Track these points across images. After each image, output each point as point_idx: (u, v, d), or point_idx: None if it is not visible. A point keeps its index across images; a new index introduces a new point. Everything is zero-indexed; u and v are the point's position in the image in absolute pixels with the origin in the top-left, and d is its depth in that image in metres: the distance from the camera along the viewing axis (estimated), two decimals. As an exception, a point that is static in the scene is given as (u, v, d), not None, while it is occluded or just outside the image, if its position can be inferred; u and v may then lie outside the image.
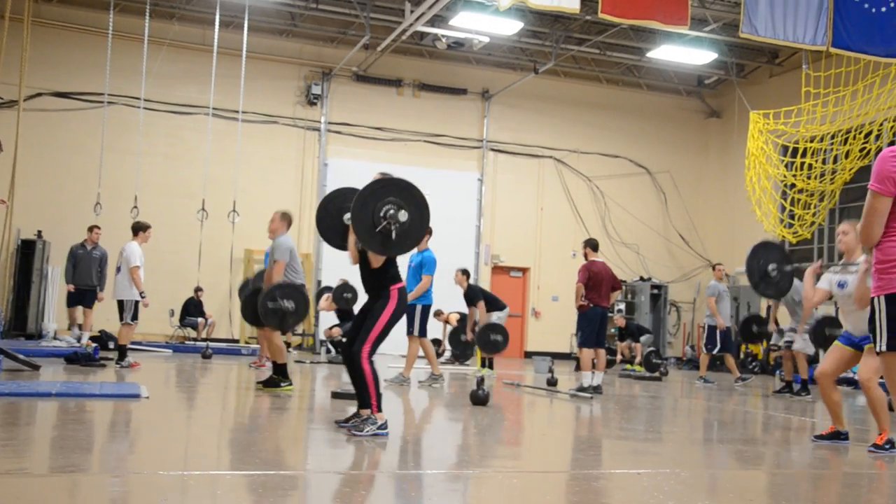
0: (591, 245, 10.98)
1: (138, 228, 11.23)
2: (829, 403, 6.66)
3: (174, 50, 17.38)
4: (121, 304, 10.95)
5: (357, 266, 6.18)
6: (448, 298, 14.20)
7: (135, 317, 10.97)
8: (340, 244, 6.72)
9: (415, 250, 10.09)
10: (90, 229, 13.45)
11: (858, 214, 3.53)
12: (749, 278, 7.90)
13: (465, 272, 12.68)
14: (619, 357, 16.30)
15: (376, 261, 5.95)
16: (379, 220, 5.72)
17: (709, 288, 13.73)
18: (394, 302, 5.96)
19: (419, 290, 10.03)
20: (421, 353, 10.51)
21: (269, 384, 8.83)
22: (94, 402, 7.14)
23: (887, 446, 6.19)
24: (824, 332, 10.38)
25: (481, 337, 11.93)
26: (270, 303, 8.59)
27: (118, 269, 11.00)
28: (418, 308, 10.10)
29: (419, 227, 5.91)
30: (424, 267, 10.11)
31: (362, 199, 5.79)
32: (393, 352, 15.94)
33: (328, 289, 15.67)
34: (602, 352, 10.77)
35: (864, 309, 6.07)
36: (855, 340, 6.39)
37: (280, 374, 8.85)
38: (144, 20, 15.64)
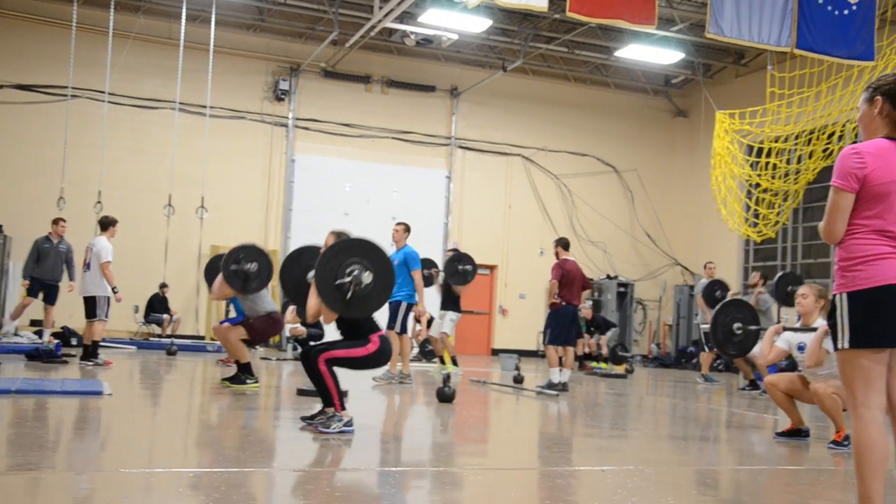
0: (563, 244, 11.01)
1: (107, 223, 11.08)
2: (780, 404, 6.80)
3: (140, 43, 17.17)
4: (91, 300, 10.76)
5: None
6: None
7: (106, 313, 10.85)
8: (297, 300, 6.81)
9: (393, 248, 10.08)
10: (55, 222, 13.11)
11: (821, 215, 3.58)
12: (712, 335, 7.98)
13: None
14: (584, 350, 16.22)
15: (327, 315, 5.85)
16: (343, 279, 5.63)
17: (700, 286, 13.78)
18: (375, 346, 5.93)
19: (420, 290, 9.97)
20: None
21: (234, 381, 8.77)
22: (56, 399, 7.04)
23: (846, 442, 6.30)
24: (786, 289, 10.68)
25: (449, 267, 12.06)
26: (234, 265, 8.56)
27: (87, 266, 10.82)
28: (403, 305, 10.02)
29: (381, 292, 5.80)
30: (410, 263, 10.00)
31: (328, 256, 5.71)
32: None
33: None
34: (571, 350, 10.82)
35: (816, 367, 6.28)
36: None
37: (245, 372, 8.79)
38: (109, 13, 15.43)
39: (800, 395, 6.69)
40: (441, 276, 12.92)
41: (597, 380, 13.50)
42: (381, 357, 6.00)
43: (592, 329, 16.16)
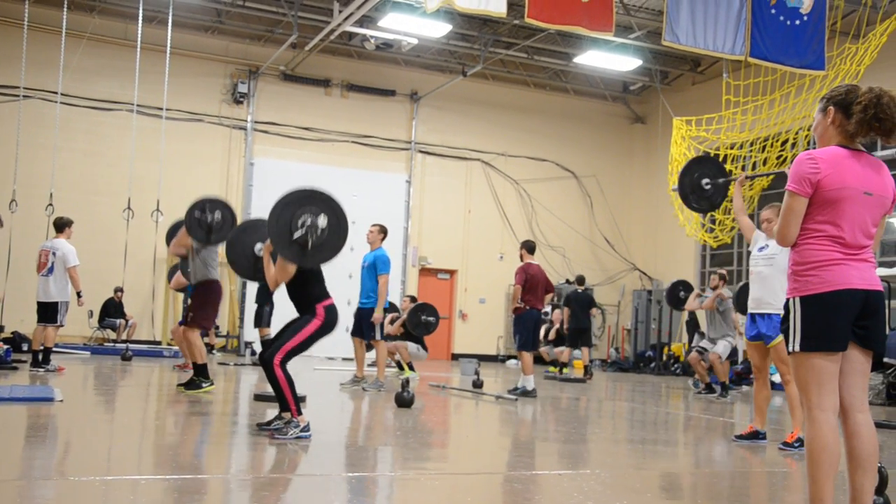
0: (528, 247, 10.92)
1: (63, 224, 10.78)
2: (758, 399, 6.87)
3: (94, 44, 16.91)
4: (53, 305, 10.46)
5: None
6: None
7: (63, 319, 10.61)
8: (252, 276, 6.73)
9: (368, 249, 9.99)
10: None
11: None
12: (679, 192, 7.78)
13: (413, 299, 12.81)
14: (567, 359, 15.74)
15: (282, 275, 5.85)
16: (296, 228, 5.61)
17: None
18: (319, 320, 5.89)
19: (382, 295, 9.84)
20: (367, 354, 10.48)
21: (189, 386, 8.66)
22: (4, 406, 6.88)
23: (797, 444, 6.40)
24: (746, 300, 10.74)
25: (412, 318, 12.00)
26: (198, 212, 8.45)
27: (49, 269, 10.48)
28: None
29: (337, 236, 5.77)
30: (378, 266, 9.89)
31: (280, 207, 5.67)
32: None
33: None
34: (528, 355, 10.80)
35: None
36: (753, 334, 6.64)
37: (201, 375, 8.68)
38: (63, 12, 15.17)
39: (766, 353, 6.70)
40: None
41: (557, 384, 13.55)
42: (328, 328, 5.97)
43: (570, 340, 15.30)
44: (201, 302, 8.89)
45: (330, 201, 5.80)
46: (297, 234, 5.62)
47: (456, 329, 20.33)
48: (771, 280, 6.56)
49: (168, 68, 15.48)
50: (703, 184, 7.63)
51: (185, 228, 8.59)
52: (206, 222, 8.49)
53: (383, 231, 10.19)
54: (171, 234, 10.49)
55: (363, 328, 9.98)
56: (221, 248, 8.58)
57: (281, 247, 5.67)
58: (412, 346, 12.55)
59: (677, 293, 14.05)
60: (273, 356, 5.78)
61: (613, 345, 21.25)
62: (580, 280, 15.87)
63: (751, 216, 16.70)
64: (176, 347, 14.61)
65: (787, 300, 3.56)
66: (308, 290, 5.95)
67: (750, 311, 6.76)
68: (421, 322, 12.13)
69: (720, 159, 15.10)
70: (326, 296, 6.02)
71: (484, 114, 20.62)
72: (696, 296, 12.93)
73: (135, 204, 14.96)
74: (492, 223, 20.54)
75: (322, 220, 5.65)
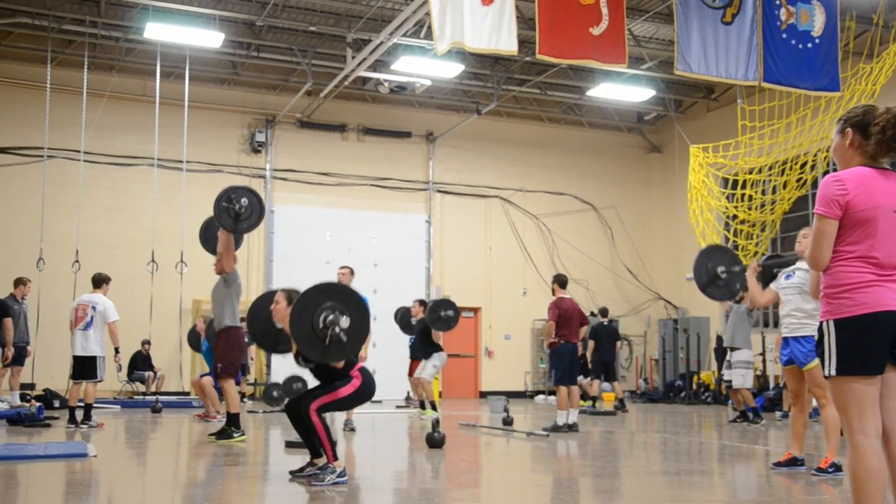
0: (560, 282, 10.85)
1: (101, 280, 10.83)
2: (796, 425, 6.80)
3: (114, 101, 17.19)
4: (91, 360, 10.44)
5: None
6: (394, 338, 14.22)
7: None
8: (273, 348, 6.70)
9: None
10: (22, 282, 12.79)
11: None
12: (697, 282, 7.82)
13: (422, 302, 12.70)
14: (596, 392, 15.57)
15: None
16: (319, 328, 5.55)
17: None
18: (357, 381, 5.88)
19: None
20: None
21: (221, 436, 8.67)
22: (39, 463, 6.92)
23: (831, 469, 6.30)
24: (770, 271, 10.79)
25: (431, 315, 11.97)
26: (225, 203, 8.62)
27: (88, 323, 10.47)
28: None
29: (360, 331, 5.72)
30: None
31: (300, 308, 5.62)
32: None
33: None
34: (575, 389, 10.73)
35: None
36: (786, 359, 6.62)
37: (233, 425, 8.70)
38: (83, 73, 15.49)
39: (801, 377, 6.65)
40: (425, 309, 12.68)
41: (587, 418, 13.43)
42: (367, 391, 5.93)
43: (595, 372, 15.31)
44: (225, 349, 8.98)
45: (351, 297, 5.76)
46: (319, 329, 5.55)
47: (482, 366, 20.24)
48: (802, 304, 6.56)
49: (186, 121, 15.72)
50: (718, 272, 7.67)
51: (216, 216, 8.64)
52: (234, 210, 8.62)
53: (352, 273, 10.16)
54: (204, 233, 10.12)
55: None
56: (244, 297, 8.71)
57: (302, 343, 5.62)
58: (430, 366, 12.39)
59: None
60: (310, 405, 5.77)
61: (642, 375, 21.07)
62: (604, 312, 15.81)
63: (773, 241, 16.67)
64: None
65: (821, 323, 3.53)
66: (335, 372, 5.91)
67: (783, 335, 6.74)
68: (440, 318, 12.08)
69: (740, 184, 15.13)
70: (356, 361, 6.01)
71: (500, 151, 20.72)
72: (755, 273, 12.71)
73: (158, 256, 15.12)
74: (513, 259, 20.54)
75: (345, 321, 5.57)
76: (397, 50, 15.60)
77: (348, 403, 5.92)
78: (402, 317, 13.71)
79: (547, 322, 10.66)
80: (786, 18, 12.07)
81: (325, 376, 5.96)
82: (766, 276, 7.46)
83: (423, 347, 12.59)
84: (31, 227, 15.36)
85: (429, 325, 12.27)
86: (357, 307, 5.72)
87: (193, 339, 14.64)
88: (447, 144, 20.24)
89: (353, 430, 10.00)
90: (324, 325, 5.53)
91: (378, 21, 15.29)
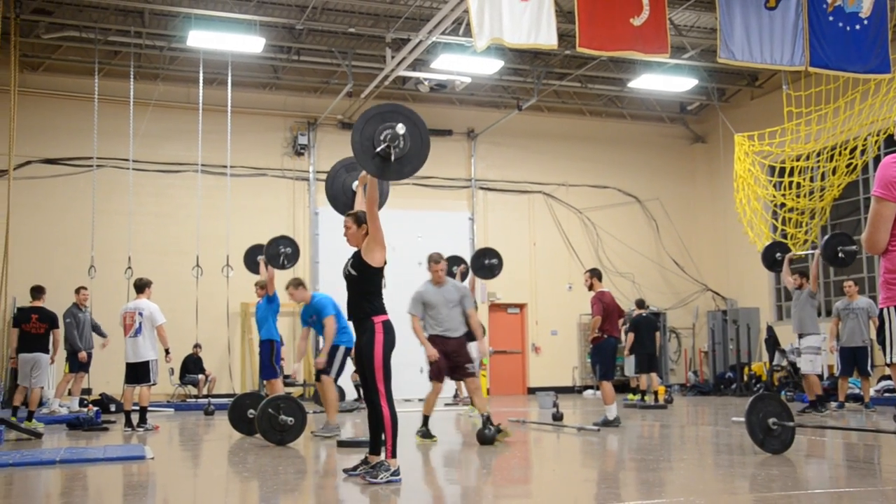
0: (597, 275, 10.75)
1: (143, 285, 11.04)
2: None
3: (160, 109, 17.47)
4: (144, 365, 10.62)
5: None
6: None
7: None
8: (343, 209, 7.18)
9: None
10: (79, 291, 13.16)
11: (850, 230, 3.55)
12: (752, 437, 7.57)
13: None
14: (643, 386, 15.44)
15: (372, 258, 5.99)
16: (379, 142, 5.70)
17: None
18: (380, 336, 5.91)
19: (329, 335, 9.42)
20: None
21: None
22: (99, 466, 7.06)
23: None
24: (836, 248, 10.71)
25: (476, 263, 11.90)
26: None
27: (137, 330, 10.66)
28: (341, 349, 9.56)
29: (420, 150, 5.82)
30: (322, 311, 9.54)
31: (363, 122, 5.78)
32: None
33: None
34: (610, 383, 10.64)
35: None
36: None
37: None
38: (129, 83, 15.76)
39: None
40: (468, 272, 12.36)
41: (637, 412, 13.33)
42: (391, 342, 5.95)
43: (639, 366, 15.09)
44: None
45: (411, 114, 5.87)
46: (379, 148, 5.69)
47: (530, 362, 20.19)
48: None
49: (230, 127, 15.92)
50: (770, 424, 7.43)
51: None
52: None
53: (303, 286, 9.98)
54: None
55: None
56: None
57: (364, 160, 5.79)
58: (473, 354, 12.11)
59: (773, 255, 13.19)
60: (376, 396, 5.82)
61: (691, 368, 20.85)
62: (640, 304, 15.64)
63: (823, 228, 16.36)
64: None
65: (881, 310, 3.44)
66: (366, 301, 6.00)
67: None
68: (485, 265, 11.95)
69: (787, 172, 14.87)
70: (383, 311, 6.03)
71: (542, 146, 20.64)
72: (789, 260, 12.42)
73: (205, 260, 15.34)
74: (558, 254, 20.44)
75: (401, 129, 5.68)
76: (436, 48, 15.63)
77: (387, 362, 5.89)
78: None
79: (592, 317, 10.58)
80: (832, 0, 11.83)
81: (355, 309, 6.05)
82: (787, 438, 7.30)
83: None
84: (82, 235, 15.68)
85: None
86: (419, 128, 5.82)
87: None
88: (488, 141, 20.22)
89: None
90: (384, 142, 5.67)
91: (416, 20, 15.33)
